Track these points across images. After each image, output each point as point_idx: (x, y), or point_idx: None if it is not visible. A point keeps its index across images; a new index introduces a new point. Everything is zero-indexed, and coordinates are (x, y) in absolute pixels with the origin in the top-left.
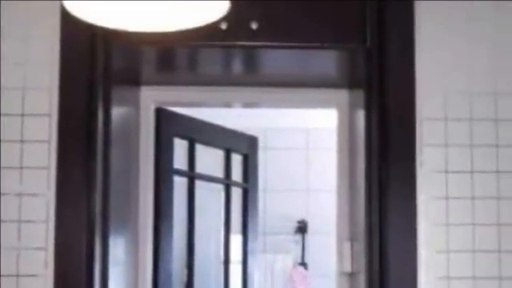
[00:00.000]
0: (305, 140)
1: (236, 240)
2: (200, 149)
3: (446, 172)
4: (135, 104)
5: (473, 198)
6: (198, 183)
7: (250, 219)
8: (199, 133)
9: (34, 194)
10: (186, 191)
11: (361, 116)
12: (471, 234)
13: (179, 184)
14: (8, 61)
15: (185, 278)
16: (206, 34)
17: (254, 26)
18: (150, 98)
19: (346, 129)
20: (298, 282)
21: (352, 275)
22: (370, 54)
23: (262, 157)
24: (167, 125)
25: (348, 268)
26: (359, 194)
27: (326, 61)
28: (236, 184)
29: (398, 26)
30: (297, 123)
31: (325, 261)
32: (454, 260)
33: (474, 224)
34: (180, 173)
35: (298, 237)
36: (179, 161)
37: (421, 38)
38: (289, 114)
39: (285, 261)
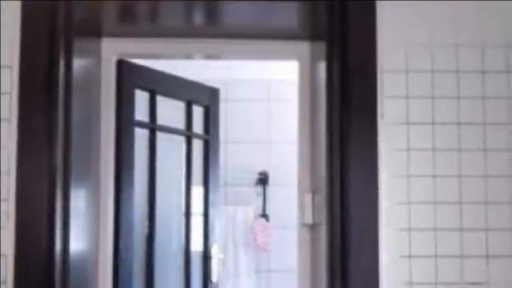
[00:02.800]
0: (266, 92)
1: (197, 192)
2: (161, 100)
3: (407, 124)
4: (96, 56)
5: (434, 149)
6: (160, 135)
7: (211, 171)
8: (160, 84)
9: None
10: (147, 143)
11: (322, 68)
12: (432, 185)
13: (140, 136)
14: None
15: (146, 230)
16: None
17: None
18: (112, 49)
19: (308, 81)
20: (259, 233)
21: (313, 226)
22: (331, 6)
23: (224, 108)
24: (128, 76)
25: (309, 219)
26: (320, 146)
27: (288, 13)
28: (197, 136)
29: None
30: (258, 75)
31: (286, 212)
32: (415, 211)
33: (434, 176)
34: (141, 124)
35: (260, 188)
36: (140, 112)
37: None
38: (250, 65)
39: (246, 212)
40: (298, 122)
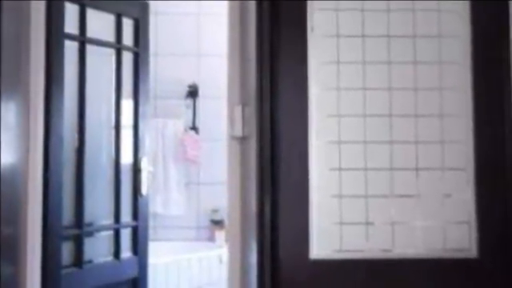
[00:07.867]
0: (196, 5)
1: (127, 104)
2: (91, 13)
3: (337, 36)
4: None
5: (364, 62)
6: (89, 48)
7: (141, 84)
8: None
9: None
10: (77, 56)
11: None
12: (362, 98)
13: (70, 48)
14: None
15: (76, 143)
16: None
17: None
18: None
19: None
20: (189, 146)
21: (243, 139)
22: None
23: (153, 21)
24: None
25: (239, 132)
26: (250, 59)
27: None
28: (127, 48)
29: None
30: None
31: (216, 125)
32: (345, 124)
33: (365, 88)
34: (71, 37)
35: (189, 101)
36: (70, 25)
37: None
38: None
39: (176, 125)
40: (227, 35)
